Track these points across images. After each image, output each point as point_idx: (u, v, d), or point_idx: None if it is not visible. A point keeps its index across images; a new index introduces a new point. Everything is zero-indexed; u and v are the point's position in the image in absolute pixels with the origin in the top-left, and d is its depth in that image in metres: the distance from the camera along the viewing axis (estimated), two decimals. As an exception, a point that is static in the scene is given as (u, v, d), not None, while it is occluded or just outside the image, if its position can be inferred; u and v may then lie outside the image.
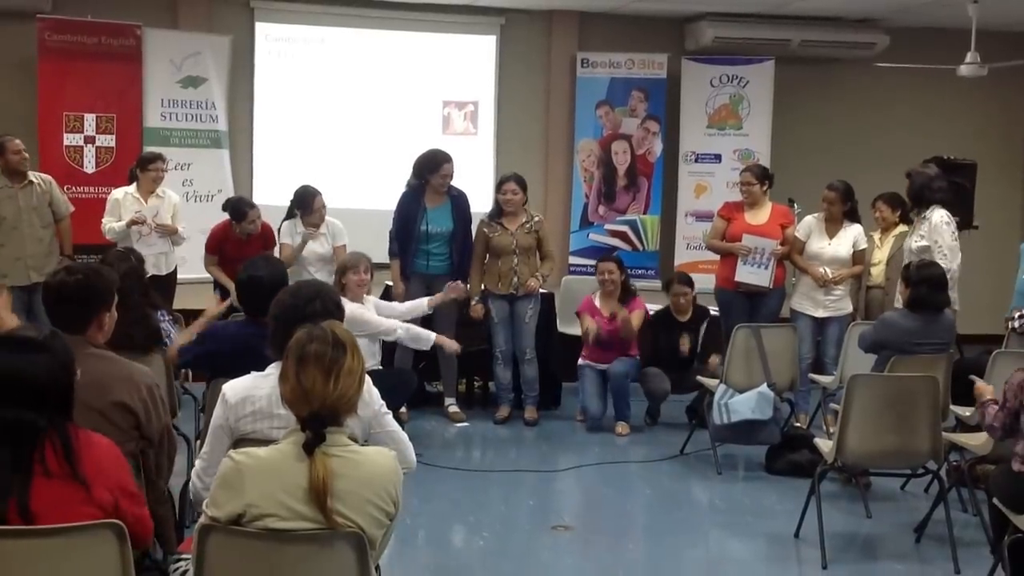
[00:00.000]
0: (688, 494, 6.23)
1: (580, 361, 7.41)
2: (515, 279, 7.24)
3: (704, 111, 9.48)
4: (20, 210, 7.14)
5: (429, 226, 7.17)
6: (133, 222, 7.24)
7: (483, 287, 7.31)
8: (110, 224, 7.33)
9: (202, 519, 2.67)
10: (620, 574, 4.95)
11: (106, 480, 2.77)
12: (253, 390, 3.30)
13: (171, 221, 7.45)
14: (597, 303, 7.37)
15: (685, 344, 7.36)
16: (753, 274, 7.17)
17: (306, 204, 7.26)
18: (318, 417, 2.60)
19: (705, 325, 7.46)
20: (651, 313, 7.57)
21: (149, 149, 8.22)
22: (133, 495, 2.90)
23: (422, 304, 6.81)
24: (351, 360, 2.69)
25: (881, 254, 7.29)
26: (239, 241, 7.28)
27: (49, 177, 7.46)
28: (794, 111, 9.61)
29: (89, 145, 8.65)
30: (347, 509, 2.59)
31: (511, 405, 7.51)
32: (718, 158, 9.46)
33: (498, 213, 7.28)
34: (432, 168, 7.13)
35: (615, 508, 6.04)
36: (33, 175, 7.28)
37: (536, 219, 7.37)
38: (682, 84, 9.51)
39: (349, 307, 6.38)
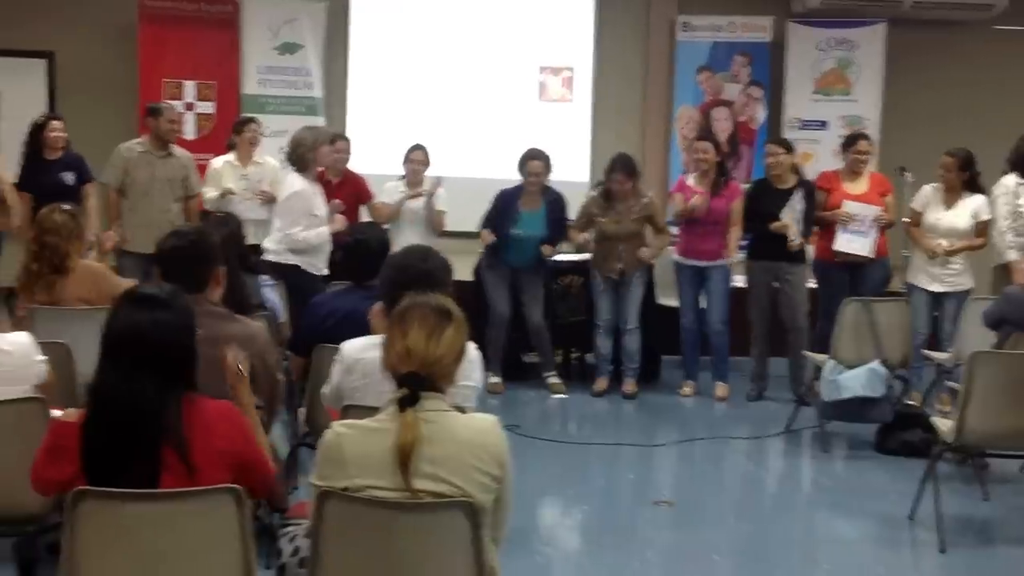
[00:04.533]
0: (794, 472, 6.09)
1: (674, 256, 7.32)
2: (620, 265, 7.14)
3: (810, 76, 9.16)
4: (153, 179, 7.17)
5: (521, 231, 7.15)
6: (225, 193, 7.25)
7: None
8: (208, 194, 7.36)
9: (313, 490, 2.65)
10: (724, 551, 4.83)
11: (222, 458, 2.71)
12: (365, 352, 3.28)
13: (271, 188, 7.44)
14: (690, 182, 7.21)
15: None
16: (853, 242, 6.98)
17: (405, 156, 7.38)
18: (415, 376, 2.58)
19: (801, 193, 7.09)
20: (748, 186, 7.52)
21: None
22: (256, 461, 2.85)
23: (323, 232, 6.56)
24: (454, 332, 2.68)
25: None
26: (329, 184, 7.27)
27: (190, 155, 7.48)
28: (907, 76, 9.22)
29: (189, 112, 8.69)
30: (452, 475, 2.57)
31: (609, 377, 7.39)
32: (824, 125, 9.14)
33: (607, 194, 7.15)
34: (519, 165, 7.14)
35: (717, 484, 5.92)
36: (175, 149, 7.31)
37: (645, 200, 7.19)
38: (787, 48, 9.19)
39: (300, 181, 6.44)
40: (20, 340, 3.65)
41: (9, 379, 3.51)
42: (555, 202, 7.25)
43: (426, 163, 7.41)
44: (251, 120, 7.64)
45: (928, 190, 7.01)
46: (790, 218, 6.98)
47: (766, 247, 7.11)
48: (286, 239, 6.37)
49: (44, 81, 8.70)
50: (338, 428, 2.64)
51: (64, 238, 4.85)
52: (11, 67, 8.58)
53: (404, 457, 2.52)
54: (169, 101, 8.29)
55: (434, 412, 2.59)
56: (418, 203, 7.36)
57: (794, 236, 6.91)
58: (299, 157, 6.51)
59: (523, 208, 7.18)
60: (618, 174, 7.08)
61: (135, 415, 2.61)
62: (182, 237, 3.61)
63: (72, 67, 8.68)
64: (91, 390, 2.68)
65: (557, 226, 7.25)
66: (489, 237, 7.14)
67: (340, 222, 6.68)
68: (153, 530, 2.59)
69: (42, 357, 3.69)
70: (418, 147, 7.43)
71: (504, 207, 7.18)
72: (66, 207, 5.03)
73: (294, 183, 6.48)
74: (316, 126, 6.97)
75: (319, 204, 6.55)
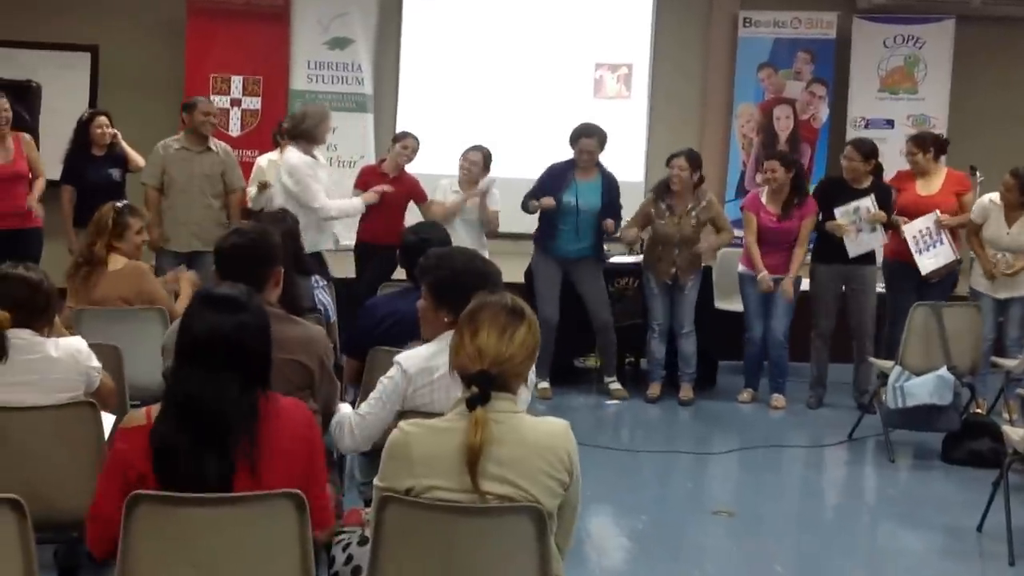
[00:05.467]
0: (857, 481, 5.96)
1: (741, 268, 7.14)
2: (673, 269, 6.95)
3: (876, 74, 8.95)
4: (192, 176, 7.01)
5: (578, 199, 6.88)
6: (263, 186, 7.12)
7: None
8: (251, 191, 7.26)
9: (375, 492, 2.60)
10: (786, 563, 4.70)
11: (299, 452, 2.66)
12: (434, 359, 3.21)
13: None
14: (764, 199, 7.03)
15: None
16: (935, 257, 6.84)
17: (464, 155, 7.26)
18: (486, 374, 2.53)
19: (871, 197, 6.87)
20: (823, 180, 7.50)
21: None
22: (321, 456, 2.77)
23: (356, 203, 6.93)
24: (526, 331, 2.63)
25: None
26: (384, 177, 7.19)
27: (229, 148, 7.34)
28: (976, 75, 8.98)
29: (235, 107, 8.64)
30: (519, 478, 2.52)
31: (662, 382, 7.20)
32: (890, 124, 8.92)
33: (665, 189, 6.95)
34: (572, 139, 6.94)
35: (779, 494, 5.77)
36: (214, 143, 7.17)
37: (703, 204, 6.97)
38: (852, 45, 8.99)
39: (297, 155, 6.40)
40: (70, 346, 3.53)
41: (52, 387, 3.40)
42: (610, 179, 7.01)
43: (480, 164, 7.17)
44: None
45: (987, 203, 6.85)
46: (847, 220, 6.79)
47: (833, 250, 6.91)
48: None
49: (87, 75, 8.65)
50: (405, 427, 2.59)
51: (111, 232, 4.87)
52: (54, 60, 8.54)
53: (473, 456, 2.47)
54: (212, 95, 8.24)
55: (504, 413, 2.54)
56: (472, 203, 7.20)
57: (850, 236, 6.76)
58: (305, 130, 6.38)
59: (579, 178, 6.94)
60: (680, 159, 6.85)
61: (222, 417, 2.55)
62: (243, 235, 3.49)
63: (116, 61, 8.63)
64: (170, 393, 2.61)
65: (613, 197, 6.99)
66: (549, 202, 6.83)
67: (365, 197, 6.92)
68: (211, 535, 2.53)
69: (96, 364, 3.58)
70: (477, 148, 7.22)
71: (556, 175, 6.95)
72: (120, 204, 5.05)
73: (290, 158, 6.47)
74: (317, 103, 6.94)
75: (319, 175, 6.55)
